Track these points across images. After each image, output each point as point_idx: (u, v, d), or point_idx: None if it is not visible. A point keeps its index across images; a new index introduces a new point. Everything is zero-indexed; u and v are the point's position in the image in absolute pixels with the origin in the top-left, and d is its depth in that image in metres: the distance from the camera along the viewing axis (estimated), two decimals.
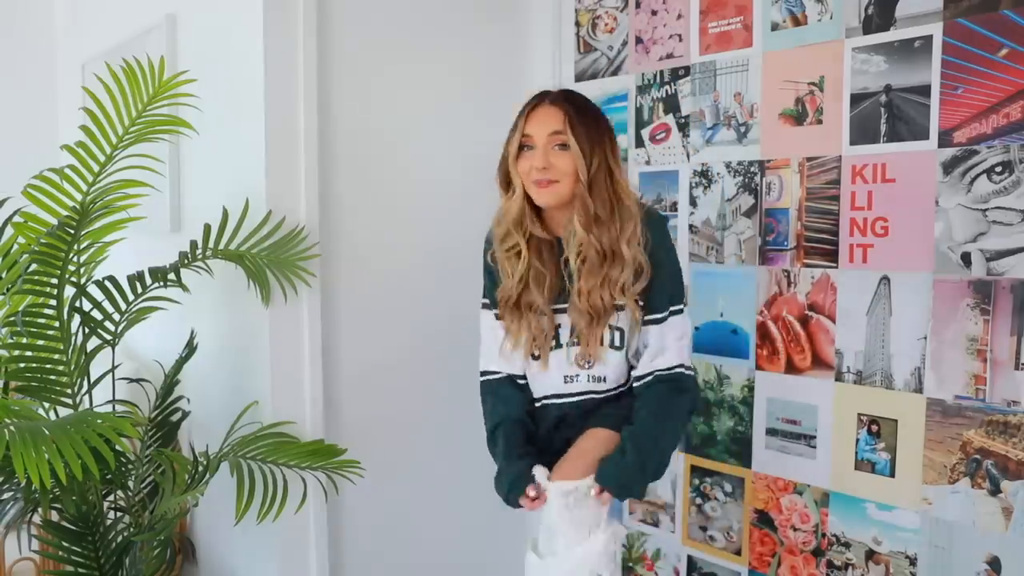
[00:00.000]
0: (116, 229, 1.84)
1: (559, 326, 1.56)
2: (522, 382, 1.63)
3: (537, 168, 1.48)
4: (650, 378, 1.53)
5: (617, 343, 1.55)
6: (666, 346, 1.53)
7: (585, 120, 1.50)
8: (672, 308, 1.54)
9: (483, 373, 1.66)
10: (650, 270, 1.51)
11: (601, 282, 1.49)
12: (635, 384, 1.55)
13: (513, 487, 1.52)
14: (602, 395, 1.58)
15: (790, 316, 1.98)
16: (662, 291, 1.53)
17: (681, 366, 1.53)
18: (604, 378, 1.57)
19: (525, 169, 1.50)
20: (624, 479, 1.48)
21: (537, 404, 1.62)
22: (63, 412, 1.76)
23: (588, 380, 1.57)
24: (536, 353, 1.57)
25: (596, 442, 1.54)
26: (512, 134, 1.54)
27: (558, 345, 1.57)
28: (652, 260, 1.51)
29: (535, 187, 1.50)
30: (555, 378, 1.58)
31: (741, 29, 2.03)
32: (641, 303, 1.53)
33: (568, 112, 1.49)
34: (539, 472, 1.50)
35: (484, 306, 1.66)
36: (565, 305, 1.55)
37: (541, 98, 1.53)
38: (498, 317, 1.61)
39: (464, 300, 2.34)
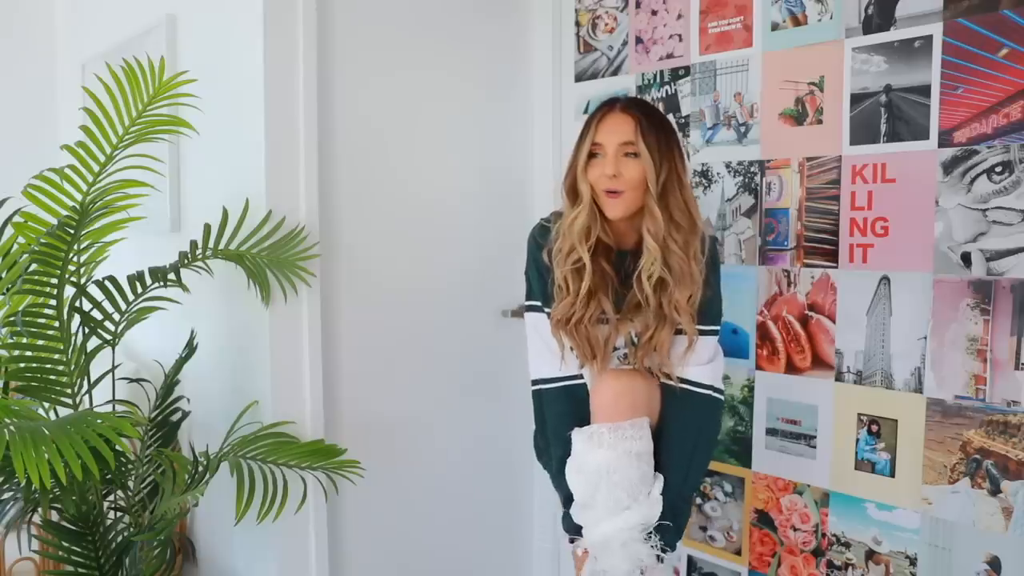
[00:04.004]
0: (116, 229, 1.83)
1: (623, 335, 1.56)
2: (580, 382, 1.59)
3: (607, 175, 1.46)
4: (681, 392, 1.54)
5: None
6: (689, 361, 1.54)
7: (655, 128, 1.49)
8: (701, 328, 1.53)
9: (536, 382, 1.61)
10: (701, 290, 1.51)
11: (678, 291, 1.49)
12: (668, 382, 1.55)
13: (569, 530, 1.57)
14: None
15: (790, 316, 1.98)
16: (700, 310, 1.53)
17: (712, 387, 1.55)
18: None
19: (595, 177, 1.49)
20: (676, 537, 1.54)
21: None
22: (63, 412, 1.75)
23: None
24: (590, 362, 1.56)
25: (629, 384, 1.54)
26: (581, 143, 1.52)
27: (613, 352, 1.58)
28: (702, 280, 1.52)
29: (605, 197, 1.48)
30: None
31: (741, 29, 2.03)
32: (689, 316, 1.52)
33: (639, 120, 1.47)
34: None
35: (530, 308, 1.62)
36: (616, 316, 1.54)
37: (611, 105, 1.51)
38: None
39: (464, 299, 2.36)
